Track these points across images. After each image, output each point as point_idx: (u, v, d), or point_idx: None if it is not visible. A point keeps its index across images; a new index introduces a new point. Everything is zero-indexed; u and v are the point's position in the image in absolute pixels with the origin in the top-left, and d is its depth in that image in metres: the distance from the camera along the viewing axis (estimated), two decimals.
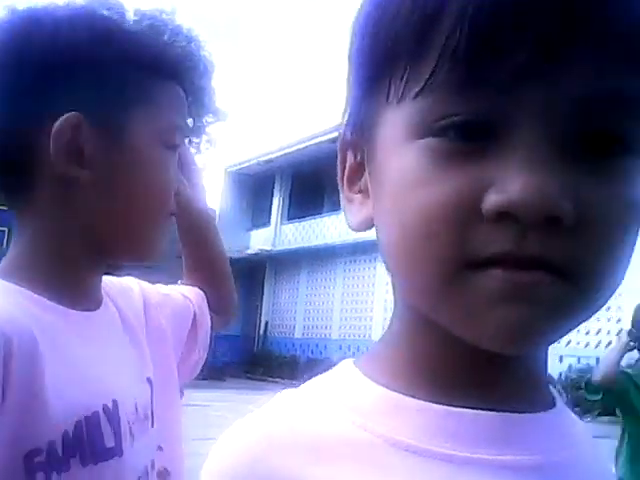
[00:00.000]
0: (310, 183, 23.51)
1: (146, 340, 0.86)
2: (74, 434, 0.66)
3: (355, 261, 21.52)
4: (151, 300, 0.92)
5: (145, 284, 0.95)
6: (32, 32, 0.73)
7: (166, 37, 21.62)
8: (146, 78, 0.78)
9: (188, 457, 0.91)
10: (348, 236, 21.58)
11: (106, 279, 0.85)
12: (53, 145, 0.71)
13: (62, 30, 0.73)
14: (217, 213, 26.44)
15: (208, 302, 1.02)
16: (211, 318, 1.02)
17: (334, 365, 0.51)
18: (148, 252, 0.82)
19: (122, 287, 0.90)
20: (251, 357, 22.85)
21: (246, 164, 25.82)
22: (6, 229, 13.47)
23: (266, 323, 23.86)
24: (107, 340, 0.78)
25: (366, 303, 20.88)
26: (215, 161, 44.34)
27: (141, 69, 0.77)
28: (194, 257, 1.05)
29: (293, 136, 24.66)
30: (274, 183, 25.45)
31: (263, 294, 24.38)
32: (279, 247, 24.56)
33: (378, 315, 20.75)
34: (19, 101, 0.73)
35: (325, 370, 0.51)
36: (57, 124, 0.71)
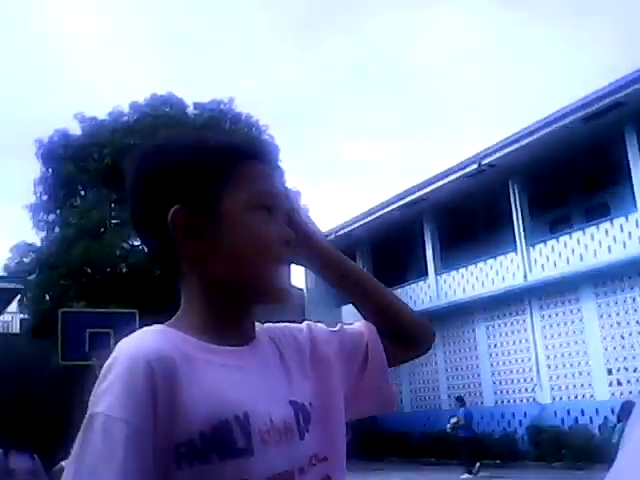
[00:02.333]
0: (392, 251, 23.43)
1: (311, 370, 1.06)
2: (211, 435, 0.88)
3: (452, 326, 20.83)
4: (318, 338, 1.11)
5: (316, 325, 1.14)
6: (154, 159, 1.03)
7: (227, 125, 22.61)
8: (225, 164, 1.01)
9: None
10: (440, 301, 21.18)
11: (274, 325, 1.11)
12: (172, 232, 0.98)
13: (173, 154, 1.01)
14: (304, 292, 26.70)
15: (385, 333, 1.14)
16: (394, 348, 1.15)
17: None
18: (272, 294, 1.03)
19: (288, 329, 1.11)
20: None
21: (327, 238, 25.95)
22: (111, 330, 14.09)
23: None
24: (250, 369, 0.99)
25: (472, 368, 20.11)
26: None
27: (219, 159, 1.01)
28: (345, 292, 1.18)
29: (367, 204, 24.63)
30: (355, 254, 25.51)
31: None
32: None
33: (486, 379, 19.95)
34: (154, 208, 1.00)
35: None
36: (168, 218, 0.97)
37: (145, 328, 0.96)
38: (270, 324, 1.11)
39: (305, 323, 1.14)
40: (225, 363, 0.96)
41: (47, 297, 19.25)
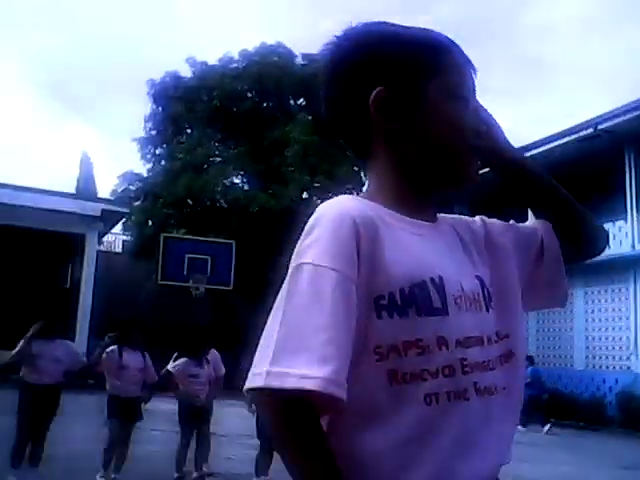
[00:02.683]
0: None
1: (487, 255, 1.11)
2: (409, 292, 0.95)
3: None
4: (493, 229, 1.15)
5: (489, 218, 1.19)
6: (364, 45, 1.09)
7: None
8: (433, 55, 1.07)
9: None
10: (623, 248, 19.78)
11: (449, 215, 1.16)
12: (372, 112, 1.04)
13: (383, 43, 1.08)
14: None
15: (560, 232, 1.17)
16: (568, 248, 1.17)
17: None
18: (458, 180, 1.09)
19: (464, 220, 1.17)
20: None
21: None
22: (209, 258, 14.70)
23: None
24: (439, 241, 1.05)
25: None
26: None
27: (428, 50, 1.07)
28: (520, 192, 1.20)
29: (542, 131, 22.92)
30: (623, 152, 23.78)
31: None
32: None
33: (579, 343, 19.43)
34: (355, 89, 1.07)
35: None
36: (373, 97, 1.04)
37: (342, 196, 1.03)
38: (451, 215, 1.16)
39: (477, 216, 1.18)
40: (417, 232, 1.03)
41: (150, 223, 20.21)
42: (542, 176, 1.19)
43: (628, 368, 17.72)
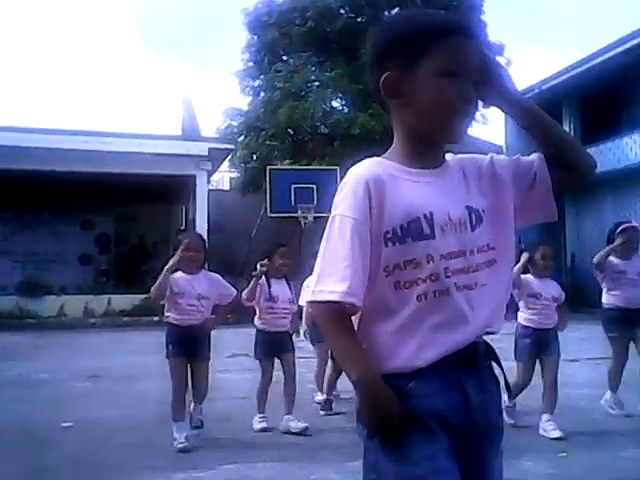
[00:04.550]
0: (602, 103, 21.71)
1: (490, 186, 1.47)
2: (407, 226, 1.37)
3: None
4: (498, 164, 1.49)
5: (497, 156, 1.53)
6: (380, 35, 1.49)
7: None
8: (425, 40, 1.39)
9: None
10: None
11: (464, 155, 1.51)
12: (382, 90, 1.44)
13: (391, 32, 1.47)
14: (504, 147, 25.87)
15: (553, 161, 1.46)
16: (560, 174, 1.47)
17: None
18: (447, 136, 1.44)
19: (475, 158, 1.51)
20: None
21: (527, 95, 24.71)
22: (314, 185, 14.92)
23: (572, 254, 22.82)
24: (436, 183, 1.43)
25: None
26: None
27: (422, 36, 1.40)
28: (523, 124, 1.51)
29: (576, 55, 22.74)
30: (561, 110, 23.95)
31: (565, 225, 23.33)
32: None
33: None
34: (373, 71, 1.47)
35: None
36: (382, 79, 1.43)
37: (367, 159, 1.45)
38: (461, 155, 1.52)
39: (490, 154, 1.52)
40: (418, 180, 1.43)
41: (254, 157, 20.54)
42: (542, 114, 1.49)
43: None
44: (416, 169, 1.43)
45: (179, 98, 27.76)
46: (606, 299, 5.45)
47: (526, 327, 4.88)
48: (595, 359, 8.54)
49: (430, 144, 1.45)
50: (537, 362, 4.88)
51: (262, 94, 21.78)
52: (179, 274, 4.64)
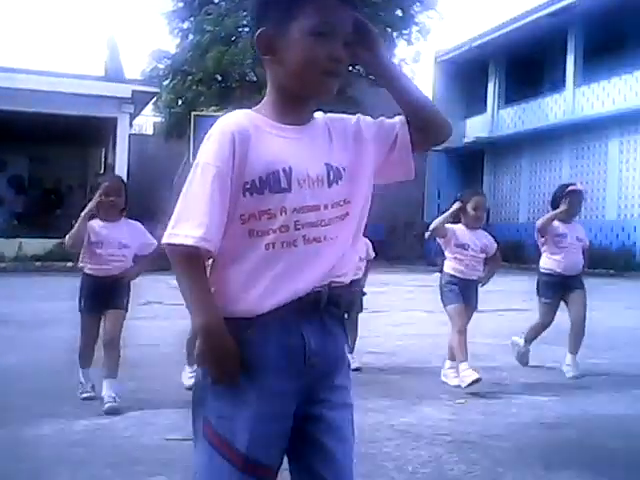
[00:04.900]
0: (527, 62, 22.13)
1: (353, 145, 1.54)
2: (266, 178, 1.42)
3: (582, 140, 20.19)
4: (363, 125, 1.57)
5: (364, 117, 1.59)
6: None
7: None
8: (296, 1, 1.44)
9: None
10: (574, 115, 20.22)
11: (334, 115, 1.58)
12: (256, 45, 1.48)
13: None
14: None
15: (413, 124, 1.55)
16: (419, 136, 1.56)
17: None
18: (315, 94, 1.50)
19: (343, 118, 1.58)
20: None
21: (457, 51, 24.88)
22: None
23: (488, 210, 23.34)
24: (300, 140, 1.49)
25: (598, 183, 19.65)
26: (426, 51, 43.07)
27: (297, 2, 1.45)
28: (390, 90, 1.57)
29: (505, 15, 22.99)
30: (488, 67, 24.28)
31: (482, 182, 23.89)
32: (497, 133, 23.70)
33: (611, 194, 19.49)
34: (253, 27, 1.52)
35: None
36: (256, 35, 1.47)
37: (235, 111, 1.49)
38: (330, 114, 1.58)
39: (357, 115, 1.59)
40: (283, 135, 1.48)
41: (180, 102, 20.07)
42: (407, 80, 1.59)
43: None
44: (283, 124, 1.48)
45: (104, 37, 26.61)
46: (544, 263, 5.47)
47: (452, 275, 4.90)
48: (500, 310, 8.93)
49: (298, 101, 1.50)
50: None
51: (191, 37, 21.16)
52: (97, 222, 4.32)
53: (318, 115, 1.56)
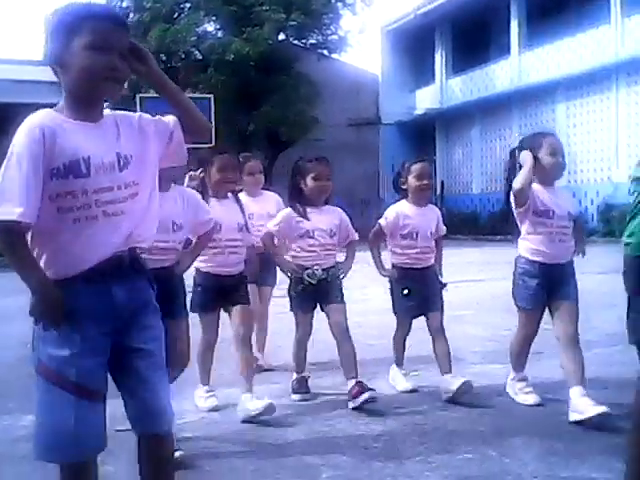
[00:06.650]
0: (472, 29, 22.16)
1: (137, 137, 1.93)
2: (69, 165, 1.79)
3: (530, 106, 20.40)
4: (143, 122, 1.97)
5: (144, 116, 1.99)
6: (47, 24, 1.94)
7: None
8: (75, 23, 1.83)
9: None
10: (521, 82, 20.38)
11: (122, 112, 1.98)
12: (48, 62, 1.88)
13: (52, 20, 1.89)
14: (379, 76, 25.99)
15: (183, 126, 2.00)
16: (186, 135, 2.01)
17: None
18: (98, 96, 1.88)
19: (128, 115, 1.98)
20: None
21: (403, 20, 24.80)
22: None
23: (442, 183, 23.63)
24: (95, 134, 1.86)
25: None
26: (372, 22, 42.86)
27: (71, 20, 1.84)
28: (166, 97, 1.99)
29: None
30: (434, 36, 24.27)
31: (435, 154, 24.01)
32: (447, 104, 23.79)
33: None
34: (47, 44, 1.90)
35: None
36: (48, 52, 1.86)
37: (40, 110, 1.84)
38: (118, 111, 1.95)
39: (138, 113, 2.00)
40: (80, 130, 1.83)
41: (125, 84, 19.63)
42: (176, 88, 2.02)
43: (609, 179, 18.14)
44: (79, 121, 1.85)
45: (41, 19, 25.84)
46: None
47: (532, 262, 3.71)
48: (456, 282, 8.99)
49: (86, 102, 1.87)
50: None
51: (131, 15, 20.68)
52: None
53: (107, 112, 1.91)
